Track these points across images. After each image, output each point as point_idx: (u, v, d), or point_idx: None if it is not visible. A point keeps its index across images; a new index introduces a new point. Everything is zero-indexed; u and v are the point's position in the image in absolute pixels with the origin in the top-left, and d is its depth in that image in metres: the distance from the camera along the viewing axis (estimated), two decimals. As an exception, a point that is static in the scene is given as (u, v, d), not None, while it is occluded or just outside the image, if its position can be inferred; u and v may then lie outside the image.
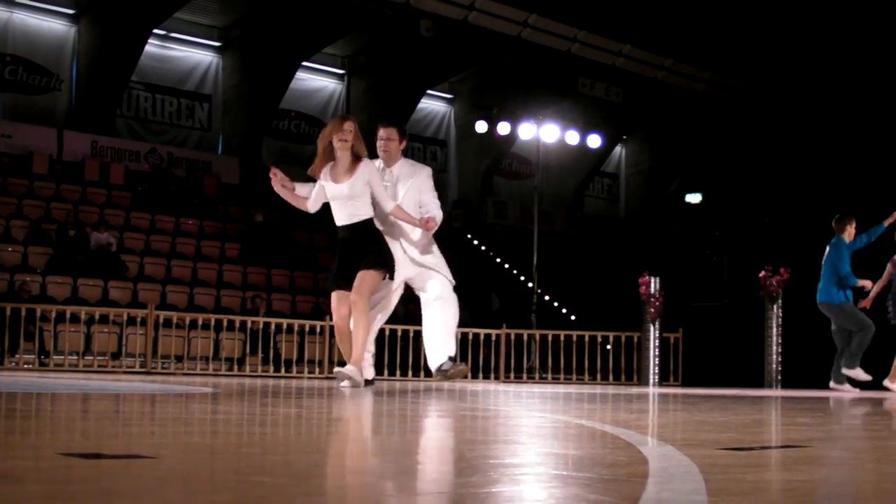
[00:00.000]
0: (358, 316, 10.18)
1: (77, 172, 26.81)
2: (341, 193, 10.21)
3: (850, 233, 15.47)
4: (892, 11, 32.56)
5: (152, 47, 29.61)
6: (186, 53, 31.30)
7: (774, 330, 19.46)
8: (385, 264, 10.23)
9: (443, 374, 10.86)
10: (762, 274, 19.42)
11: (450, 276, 11.00)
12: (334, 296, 10.35)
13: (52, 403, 6.36)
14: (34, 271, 22.05)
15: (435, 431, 5.04)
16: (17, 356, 18.49)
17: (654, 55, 34.91)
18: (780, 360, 19.42)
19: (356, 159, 10.23)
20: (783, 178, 38.13)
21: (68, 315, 18.78)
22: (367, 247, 10.14)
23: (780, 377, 19.40)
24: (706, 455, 3.61)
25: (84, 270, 22.40)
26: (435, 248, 10.97)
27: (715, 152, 39.17)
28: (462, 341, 19.89)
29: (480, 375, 20.41)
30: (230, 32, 31.34)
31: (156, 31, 29.06)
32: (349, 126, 10.38)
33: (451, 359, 10.89)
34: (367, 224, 10.23)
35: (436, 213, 10.58)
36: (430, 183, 10.84)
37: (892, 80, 35.71)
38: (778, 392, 16.08)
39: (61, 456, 3.05)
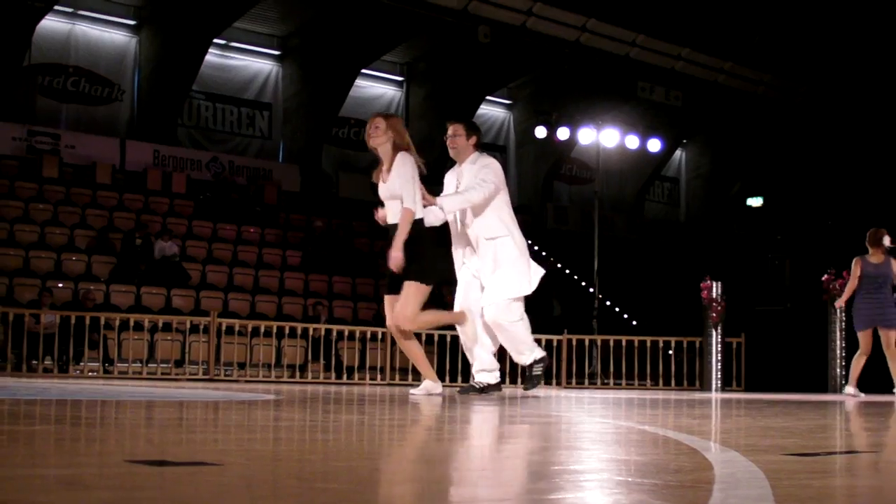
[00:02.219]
0: (404, 342, 10.23)
1: (139, 182, 27.03)
2: (383, 194, 9.92)
3: None
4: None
5: (212, 57, 29.82)
6: (246, 62, 31.50)
7: (838, 334, 19.33)
8: (424, 275, 9.69)
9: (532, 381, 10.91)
10: (825, 277, 19.28)
11: (512, 293, 10.51)
12: (385, 300, 10.12)
13: (116, 411, 6.40)
14: (98, 280, 22.23)
15: (498, 438, 5.04)
16: (82, 364, 18.65)
17: (714, 58, 34.76)
18: (843, 364, 19.26)
19: (395, 155, 9.88)
20: (845, 180, 37.81)
21: (132, 323, 18.91)
22: (406, 254, 9.57)
23: (844, 381, 19.25)
24: (771, 461, 3.58)
25: (147, 279, 22.58)
26: (511, 257, 10.54)
27: (776, 155, 38.89)
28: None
29: (542, 381, 20.34)
30: (290, 41, 31.50)
31: (216, 40, 29.27)
32: (377, 122, 10.07)
33: (535, 361, 10.87)
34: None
35: (468, 193, 10.23)
36: (482, 171, 10.39)
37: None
38: (842, 397, 15.95)
39: (127, 463, 3.07)
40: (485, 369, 10.65)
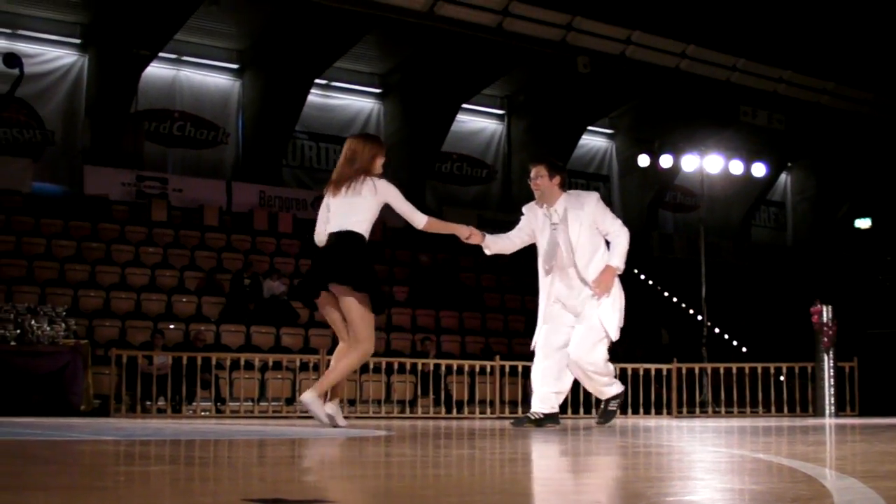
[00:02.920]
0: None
1: (246, 223, 27.30)
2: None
3: None
4: None
5: (314, 97, 30.11)
6: (348, 101, 31.77)
7: (957, 356, 18.99)
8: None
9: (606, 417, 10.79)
10: (940, 298, 18.98)
11: (603, 335, 10.25)
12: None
13: (230, 450, 6.46)
14: (208, 321, 22.47)
15: (611, 469, 5.01)
16: (195, 404, 18.86)
17: (816, 79, 34.39)
18: (959, 385, 18.93)
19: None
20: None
21: (242, 362, 19.10)
22: None
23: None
24: (891, 487, 3.53)
25: (256, 318, 22.78)
26: (618, 289, 10.46)
27: (883, 175, 38.34)
28: (633, 377, 19.75)
29: (653, 411, 20.21)
30: (390, 78, 31.72)
31: (317, 80, 29.55)
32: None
33: (613, 397, 10.74)
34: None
35: (621, 241, 10.31)
36: (602, 207, 10.36)
37: None
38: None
39: (244, 501, 3.10)
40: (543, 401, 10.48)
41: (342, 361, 9.65)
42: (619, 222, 10.36)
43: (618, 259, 10.21)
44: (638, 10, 29.77)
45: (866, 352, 21.61)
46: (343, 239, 9.38)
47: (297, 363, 19.64)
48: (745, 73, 32.91)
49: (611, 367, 10.60)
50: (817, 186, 40.28)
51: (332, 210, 9.52)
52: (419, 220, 9.87)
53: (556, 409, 10.50)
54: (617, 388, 10.68)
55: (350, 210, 9.45)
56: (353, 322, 9.35)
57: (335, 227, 9.43)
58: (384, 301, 9.96)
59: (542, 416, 10.36)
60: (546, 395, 10.41)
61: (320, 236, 9.62)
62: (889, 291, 30.60)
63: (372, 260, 9.78)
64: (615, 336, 10.23)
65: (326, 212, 9.59)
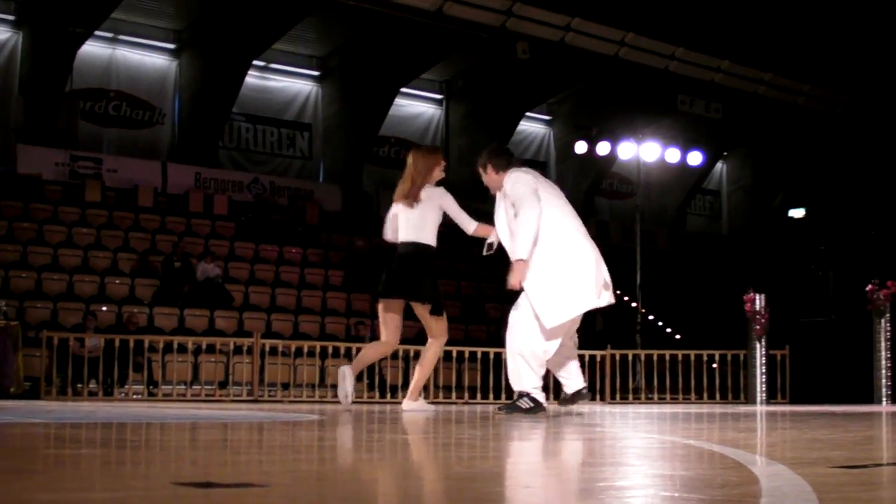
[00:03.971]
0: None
1: (181, 204, 27.14)
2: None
3: None
4: None
5: (252, 79, 29.96)
6: (286, 84, 31.63)
7: (883, 344, 19.20)
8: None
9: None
10: (869, 288, 19.18)
11: (535, 310, 9.40)
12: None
13: (161, 433, 6.43)
14: (141, 303, 22.34)
15: (542, 455, 5.02)
16: (127, 387, 18.74)
17: (753, 70, 34.62)
18: (889, 374, 19.14)
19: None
20: (888, 190, 37.56)
21: (176, 345, 19.00)
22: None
23: (890, 392, 19.12)
24: (818, 473, 3.56)
25: (190, 301, 22.66)
26: (539, 273, 9.42)
27: (817, 165, 38.69)
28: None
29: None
30: (329, 61, 31.61)
31: (255, 62, 29.41)
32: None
33: (519, 395, 9.68)
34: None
35: (520, 223, 9.45)
36: (510, 187, 9.73)
37: None
38: (888, 407, 15.84)
39: (174, 485, 3.08)
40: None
41: (426, 358, 11.36)
42: (523, 203, 9.44)
43: (519, 250, 9.39)
44: (578, -2, 29.86)
45: (798, 340, 21.81)
46: (421, 253, 10.67)
47: (231, 346, 19.56)
48: (683, 63, 33.08)
49: (538, 359, 9.56)
50: (753, 176, 40.58)
51: (404, 220, 10.77)
52: (470, 226, 10.76)
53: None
54: (533, 390, 9.57)
55: (421, 223, 10.61)
56: (432, 323, 11.07)
57: (411, 237, 10.69)
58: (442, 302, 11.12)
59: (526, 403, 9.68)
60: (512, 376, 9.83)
61: (388, 235, 11.17)
62: (821, 280, 30.85)
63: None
64: (548, 323, 9.29)
65: (395, 221, 10.93)
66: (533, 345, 9.46)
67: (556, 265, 9.42)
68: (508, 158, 10.08)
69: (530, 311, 9.46)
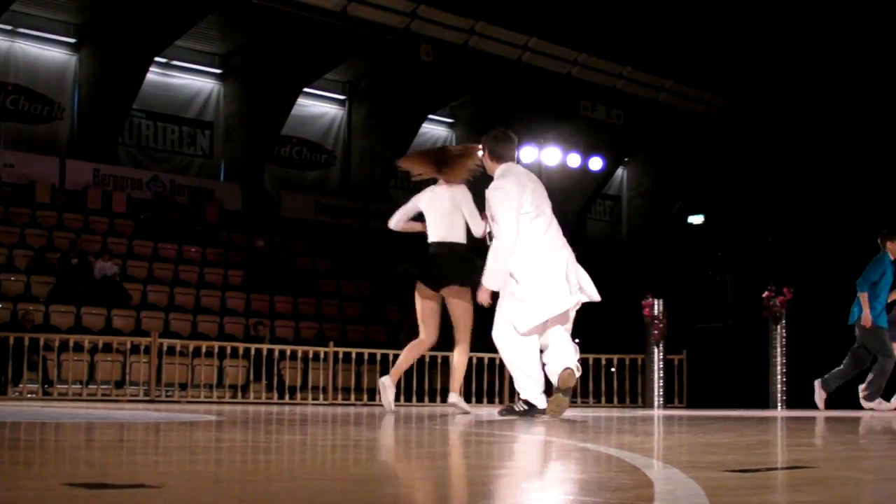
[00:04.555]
0: None
1: (79, 201, 26.82)
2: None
3: (893, 250, 15.24)
4: (891, 23, 32.64)
5: (153, 75, 29.63)
6: (188, 81, 31.34)
7: (778, 350, 19.48)
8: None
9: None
10: (765, 294, 19.46)
11: (511, 322, 9.77)
12: None
13: (56, 433, 6.35)
14: (37, 300, 22.06)
15: (441, 457, 5.03)
16: (21, 385, 18.51)
17: (655, 77, 34.91)
18: (784, 380, 19.43)
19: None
20: (785, 197, 38.10)
21: (72, 344, 18.79)
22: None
23: (784, 397, 19.40)
24: (711, 477, 3.60)
25: (87, 299, 22.41)
26: (516, 281, 9.76)
27: (717, 173, 39.13)
28: (468, 366, 19.89)
29: (485, 400, 20.38)
30: (231, 59, 31.39)
31: (157, 58, 29.10)
32: None
33: (517, 399, 10.16)
34: None
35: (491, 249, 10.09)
36: (490, 195, 10.17)
37: (893, 95, 35.70)
38: (782, 412, 16.07)
39: (66, 486, 3.05)
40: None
41: (458, 360, 11.16)
42: (500, 228, 9.84)
43: (487, 279, 9.88)
44: (482, 1, 29.91)
45: (695, 345, 22.06)
46: (459, 250, 10.83)
47: (128, 346, 19.37)
48: (585, 68, 33.27)
49: (525, 363, 9.88)
50: (653, 182, 40.91)
51: (438, 215, 10.89)
52: (478, 228, 10.71)
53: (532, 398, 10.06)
54: (526, 393, 9.97)
55: (452, 222, 10.85)
56: (462, 320, 10.85)
57: (446, 237, 10.82)
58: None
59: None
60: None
61: (398, 224, 11.23)
62: (719, 287, 31.20)
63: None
64: (521, 328, 9.66)
65: (417, 206, 11.12)
66: (516, 351, 9.89)
67: (526, 273, 9.73)
68: (503, 152, 10.27)
69: (505, 317, 9.85)
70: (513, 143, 10.34)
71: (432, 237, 10.75)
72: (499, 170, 10.12)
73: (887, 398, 15.25)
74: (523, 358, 9.86)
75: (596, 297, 10.17)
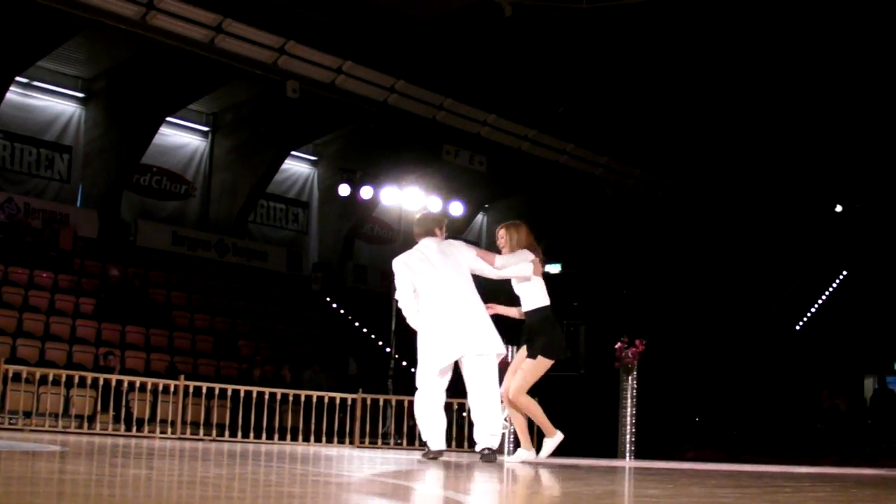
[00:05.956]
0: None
1: (-71, 221, 26.22)
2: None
3: None
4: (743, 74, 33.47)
5: (13, 95, 29.11)
6: (48, 103, 30.82)
7: (629, 401, 19.70)
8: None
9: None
10: (618, 345, 19.68)
11: (421, 369, 11.95)
12: None
13: None
14: None
15: (277, 498, 4.98)
16: None
17: (519, 125, 35.21)
18: (633, 430, 19.64)
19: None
20: (640, 251, 38.69)
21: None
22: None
23: (633, 448, 19.61)
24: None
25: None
26: (421, 333, 11.92)
27: (576, 224, 39.64)
28: (317, 405, 19.85)
29: (335, 440, 20.31)
30: (94, 84, 30.98)
31: (18, 78, 28.61)
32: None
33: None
34: None
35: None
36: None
37: (748, 145, 36.62)
38: (631, 462, 16.23)
39: None
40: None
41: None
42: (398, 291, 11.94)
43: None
44: (352, 42, 29.95)
45: (547, 393, 22.18)
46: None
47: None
48: (450, 113, 33.43)
49: (419, 411, 11.93)
50: (511, 229, 41.20)
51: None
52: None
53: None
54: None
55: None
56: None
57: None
58: None
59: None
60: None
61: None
62: (572, 336, 31.45)
63: None
64: (418, 383, 11.97)
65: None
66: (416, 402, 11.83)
67: (421, 332, 11.86)
68: (421, 231, 11.74)
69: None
70: (422, 222, 11.81)
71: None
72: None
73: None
74: (418, 405, 11.95)
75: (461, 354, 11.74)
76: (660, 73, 33.12)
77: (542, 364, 11.78)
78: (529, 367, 11.81)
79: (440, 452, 11.21)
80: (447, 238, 11.68)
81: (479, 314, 11.53)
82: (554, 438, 11.91)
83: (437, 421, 11.58)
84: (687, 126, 35.97)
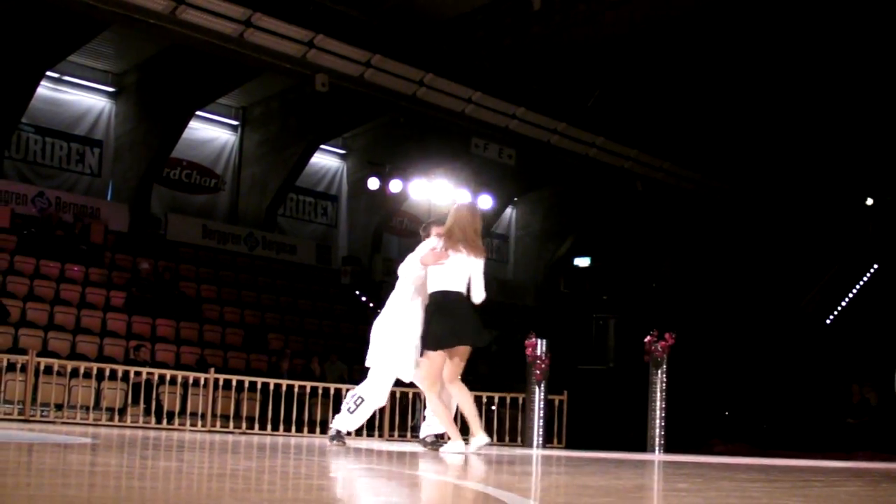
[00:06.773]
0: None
1: (-39, 214, 26.36)
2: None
3: None
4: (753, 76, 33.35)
5: (44, 90, 29.22)
6: (79, 97, 30.93)
7: (658, 395, 19.65)
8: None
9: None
10: (647, 339, 19.63)
11: (379, 363, 12.06)
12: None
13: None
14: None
15: (316, 490, 5.00)
16: None
17: (548, 118, 35.11)
18: (663, 424, 19.60)
19: None
20: (670, 244, 38.60)
21: (-55, 359, 18.41)
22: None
23: (662, 441, 19.57)
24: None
25: (-36, 314, 22.01)
26: (386, 330, 12.12)
27: (605, 217, 39.57)
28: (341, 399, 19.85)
29: (365, 433, 20.33)
30: (125, 78, 31.07)
31: (49, 73, 28.72)
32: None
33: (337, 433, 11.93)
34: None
35: None
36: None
37: (775, 147, 36.48)
38: (660, 456, 16.20)
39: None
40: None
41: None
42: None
43: None
44: (381, 35, 29.93)
45: (576, 386, 22.21)
46: None
47: (5, 363, 19.00)
48: (479, 107, 33.36)
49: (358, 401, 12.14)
50: (541, 222, 41.20)
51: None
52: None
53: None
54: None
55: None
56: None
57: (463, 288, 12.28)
58: None
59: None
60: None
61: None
62: (602, 329, 31.48)
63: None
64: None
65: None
66: None
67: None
68: (426, 231, 12.14)
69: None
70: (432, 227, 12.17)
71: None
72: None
73: None
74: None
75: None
76: (690, 65, 33.03)
77: (431, 357, 11.36)
78: (423, 363, 11.47)
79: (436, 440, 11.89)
80: (444, 238, 11.83)
81: (380, 326, 12.09)
82: (458, 443, 11.29)
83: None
84: (717, 119, 35.86)
